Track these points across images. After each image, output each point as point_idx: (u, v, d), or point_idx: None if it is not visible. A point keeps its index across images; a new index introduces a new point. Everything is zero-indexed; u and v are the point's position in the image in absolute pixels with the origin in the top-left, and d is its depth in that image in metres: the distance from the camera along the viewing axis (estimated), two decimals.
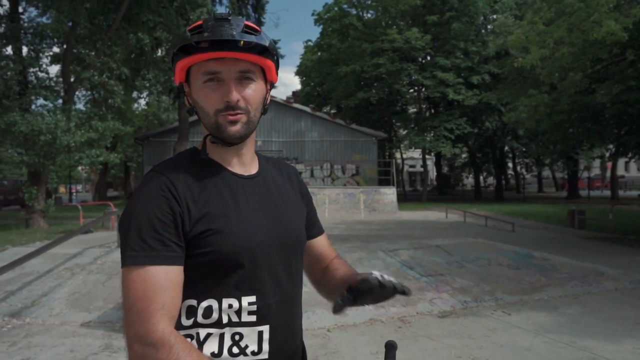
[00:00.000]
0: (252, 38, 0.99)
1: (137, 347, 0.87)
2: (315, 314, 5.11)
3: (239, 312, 0.99)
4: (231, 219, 1.00)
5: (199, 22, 1.02)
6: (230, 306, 0.98)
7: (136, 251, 0.92)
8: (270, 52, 1.04)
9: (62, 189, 38.54)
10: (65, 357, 4.24)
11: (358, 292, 1.03)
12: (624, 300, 5.91)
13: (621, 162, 37.02)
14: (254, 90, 1.03)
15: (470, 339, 4.58)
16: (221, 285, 0.98)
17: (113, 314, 5.42)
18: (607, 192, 33.24)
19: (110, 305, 5.60)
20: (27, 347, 4.50)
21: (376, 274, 1.00)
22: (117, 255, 7.39)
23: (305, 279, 1.21)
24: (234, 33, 0.98)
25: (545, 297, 6.06)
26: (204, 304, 0.98)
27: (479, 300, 5.85)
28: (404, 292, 1.03)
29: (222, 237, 0.97)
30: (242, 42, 0.97)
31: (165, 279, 0.91)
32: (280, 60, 1.14)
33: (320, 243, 1.30)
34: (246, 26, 1.00)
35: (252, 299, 1.00)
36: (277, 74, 1.10)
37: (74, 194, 31.54)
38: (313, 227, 1.27)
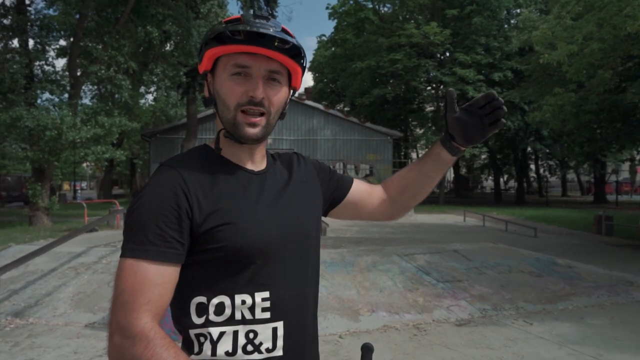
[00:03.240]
0: (289, 39, 1.02)
1: (116, 338, 0.89)
2: (327, 320, 5.12)
3: (252, 309, 1.00)
4: (243, 214, 1.01)
5: (237, 16, 1.05)
6: (243, 302, 0.99)
7: (135, 244, 0.94)
8: (301, 58, 1.07)
9: (66, 186, 39.10)
10: (69, 358, 4.30)
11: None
12: None
13: None
14: (278, 93, 1.06)
15: (490, 349, 4.54)
16: (233, 281, 0.99)
17: None
18: (637, 197, 32.77)
19: None
20: (31, 348, 4.57)
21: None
22: None
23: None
24: (271, 30, 1.00)
25: (569, 306, 5.98)
26: (215, 300, 0.99)
27: (499, 309, 5.79)
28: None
29: (234, 232, 0.99)
30: (277, 41, 1.00)
31: (157, 275, 0.93)
32: None
33: (358, 186, 1.36)
34: (283, 29, 1.04)
35: (266, 294, 1.01)
36: (301, 81, 1.13)
37: (79, 191, 31.97)
38: (342, 185, 1.33)
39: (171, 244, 0.95)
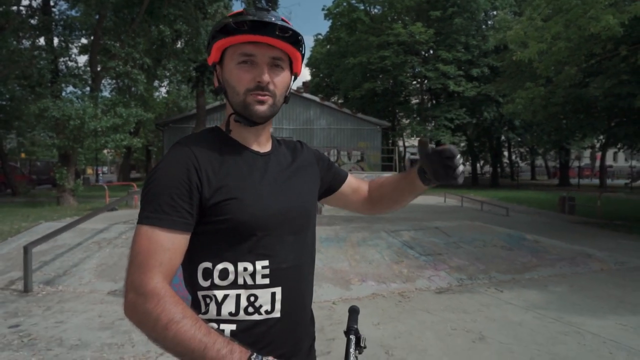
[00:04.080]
0: (288, 26, 1.02)
1: (130, 295, 0.90)
2: (322, 288, 5.17)
3: (253, 275, 1.01)
4: (248, 191, 1.02)
5: (240, 10, 1.04)
6: (245, 269, 1.00)
7: (150, 212, 0.95)
8: (301, 45, 1.06)
9: (89, 170, 38.90)
10: (94, 321, 4.34)
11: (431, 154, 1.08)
12: (610, 280, 5.90)
13: (610, 152, 36.55)
14: (282, 77, 1.06)
15: (465, 313, 4.60)
16: (236, 250, 1.00)
17: None
18: (596, 181, 32.94)
19: None
20: (60, 312, 4.61)
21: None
22: None
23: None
24: (273, 19, 1.00)
25: (535, 276, 6.06)
26: (219, 266, 1.00)
27: (474, 278, 5.87)
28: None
29: (239, 206, 0.99)
30: (278, 30, 1.00)
31: (169, 242, 0.94)
32: None
33: (351, 181, 1.36)
34: (282, 20, 1.03)
35: (266, 263, 1.02)
36: (301, 67, 1.13)
37: (100, 175, 31.83)
38: (338, 177, 1.33)
39: (182, 214, 0.96)
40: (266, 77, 1.02)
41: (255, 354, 0.87)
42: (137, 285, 0.90)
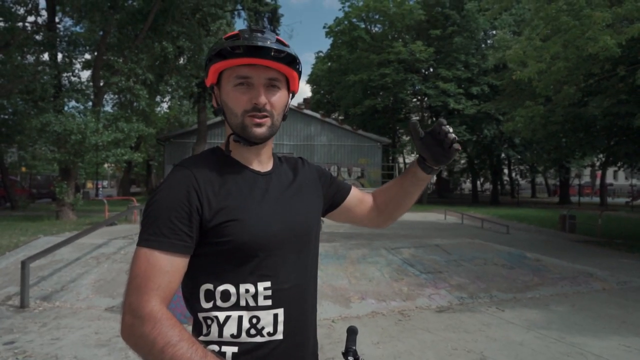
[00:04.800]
0: (283, 48, 1.02)
1: (127, 318, 0.90)
2: (322, 306, 5.12)
3: (255, 297, 1.00)
4: (249, 212, 1.01)
5: (236, 32, 1.05)
6: (247, 291, 0.99)
7: (150, 235, 0.95)
8: (296, 64, 1.07)
9: (89, 185, 38.90)
10: (91, 338, 4.29)
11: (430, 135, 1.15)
12: (611, 299, 5.85)
13: (610, 170, 36.58)
14: (279, 97, 1.06)
15: (466, 332, 4.55)
16: (238, 272, 0.99)
17: None
18: (597, 199, 32.90)
19: None
20: (57, 328, 4.56)
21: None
22: None
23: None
24: (268, 42, 1.01)
25: (537, 295, 6.01)
26: (221, 288, 0.99)
27: (475, 297, 5.81)
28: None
29: (240, 228, 0.99)
30: (273, 52, 1.01)
31: (167, 264, 0.94)
32: None
33: (355, 193, 1.35)
34: (277, 40, 1.04)
35: (268, 284, 1.01)
36: (298, 85, 1.13)
37: (100, 189, 31.81)
38: (341, 190, 1.32)
39: (181, 237, 0.96)
40: (262, 99, 1.02)
41: None
42: (135, 308, 0.90)
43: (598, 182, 34.79)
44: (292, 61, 1.05)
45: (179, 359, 0.85)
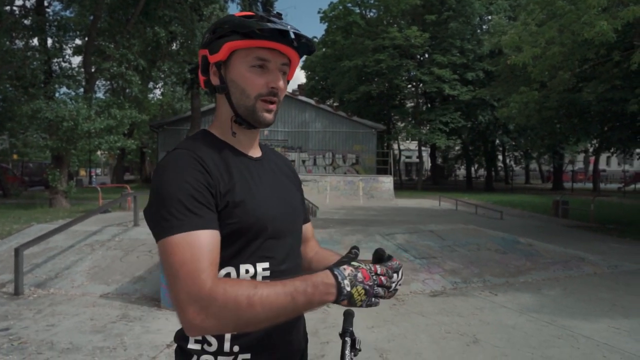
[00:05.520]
0: (307, 38, 1.03)
1: (192, 309, 0.84)
2: None
3: (254, 277, 1.00)
4: (252, 195, 1.01)
5: (249, 13, 1.02)
6: (247, 271, 1.00)
7: (178, 219, 0.89)
8: (309, 53, 1.09)
9: (82, 172, 38.63)
10: (86, 324, 4.30)
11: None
12: (602, 283, 5.94)
13: (603, 156, 36.86)
14: (285, 83, 1.07)
15: (459, 316, 4.61)
16: (240, 253, 0.99)
17: (129, 287, 5.47)
18: (589, 185, 33.17)
19: (127, 279, 5.66)
20: (52, 315, 4.56)
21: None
22: (133, 233, 7.43)
23: None
24: (289, 28, 1.00)
25: (529, 279, 6.09)
26: (223, 271, 0.98)
27: (468, 282, 5.88)
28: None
29: (245, 210, 0.98)
30: (294, 39, 1.01)
31: (209, 242, 0.90)
32: None
33: (308, 228, 1.30)
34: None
35: (266, 265, 1.01)
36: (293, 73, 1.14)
37: (94, 176, 31.58)
38: (305, 214, 1.28)
39: (210, 212, 0.93)
40: (281, 84, 1.03)
41: (336, 270, 0.89)
42: (195, 293, 0.84)
43: (591, 168, 35.05)
44: (306, 51, 1.06)
45: (267, 300, 0.84)
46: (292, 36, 1.01)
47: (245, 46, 1.00)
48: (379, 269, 0.93)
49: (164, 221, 0.90)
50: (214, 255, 0.90)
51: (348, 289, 0.87)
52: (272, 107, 1.04)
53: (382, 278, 0.92)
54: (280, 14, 1.03)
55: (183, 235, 0.88)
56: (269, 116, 1.04)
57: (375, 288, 0.91)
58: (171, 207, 0.90)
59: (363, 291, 0.89)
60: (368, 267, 0.92)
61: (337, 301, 0.88)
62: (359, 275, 0.90)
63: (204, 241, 0.89)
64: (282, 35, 0.99)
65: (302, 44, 1.03)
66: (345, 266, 0.91)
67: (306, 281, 0.87)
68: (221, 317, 0.84)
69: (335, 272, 0.89)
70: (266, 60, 1.01)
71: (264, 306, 0.84)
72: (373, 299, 0.90)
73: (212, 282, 0.86)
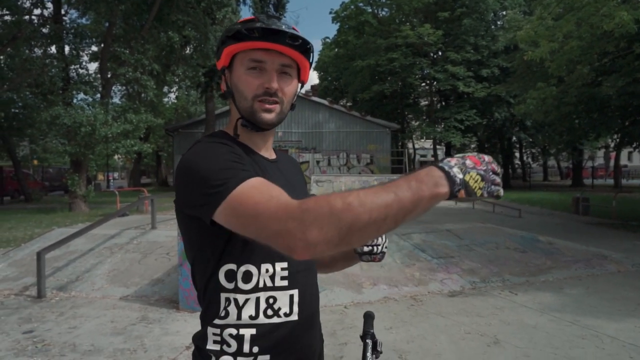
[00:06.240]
0: (300, 35, 1.02)
1: (288, 228, 0.76)
2: (334, 292, 5.15)
3: (272, 277, 1.00)
4: None
5: (252, 17, 1.04)
6: (267, 271, 1.00)
7: (232, 177, 0.86)
8: (310, 53, 1.06)
9: (100, 176, 39.34)
10: (107, 327, 4.37)
11: None
12: (627, 282, 5.79)
13: (624, 152, 36.00)
14: (289, 85, 1.06)
15: (479, 316, 4.55)
16: (259, 251, 0.98)
17: (148, 289, 5.54)
18: (610, 181, 32.41)
19: (146, 282, 5.73)
20: (73, 317, 4.64)
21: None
22: (151, 236, 7.52)
23: None
24: (284, 27, 1.00)
25: (550, 278, 5.98)
26: (243, 268, 0.98)
27: (487, 281, 5.80)
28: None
29: None
30: (288, 38, 1.00)
31: (267, 182, 0.87)
32: None
33: None
34: (293, 28, 1.03)
35: (284, 264, 1.01)
36: (309, 75, 1.12)
37: (111, 180, 32.15)
38: None
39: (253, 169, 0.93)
40: (275, 84, 1.02)
41: (440, 163, 0.79)
42: (285, 214, 0.78)
43: (612, 163, 34.28)
44: (306, 50, 1.04)
45: (367, 198, 0.75)
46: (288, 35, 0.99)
47: (241, 49, 1.02)
48: (485, 156, 0.84)
49: (217, 188, 0.86)
50: (277, 186, 0.86)
51: (460, 176, 0.78)
52: (271, 107, 1.03)
53: (494, 165, 0.83)
54: (279, 16, 1.03)
55: (243, 185, 0.84)
56: (268, 116, 1.03)
57: (490, 174, 0.82)
58: (218, 175, 0.87)
59: (479, 177, 0.80)
60: (476, 154, 0.84)
61: (452, 194, 0.77)
62: (468, 162, 0.81)
63: (264, 182, 0.86)
64: (275, 35, 0.99)
65: (302, 44, 1.02)
66: (448, 158, 0.81)
67: (407, 177, 0.77)
68: (322, 224, 0.74)
69: (440, 164, 0.79)
70: (261, 62, 1.02)
71: (364, 205, 0.74)
72: (492, 186, 0.81)
73: (295, 200, 0.80)
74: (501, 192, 0.83)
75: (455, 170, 0.78)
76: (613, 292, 5.33)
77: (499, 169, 0.85)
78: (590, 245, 7.56)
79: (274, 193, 0.83)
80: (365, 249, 1.18)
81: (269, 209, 0.80)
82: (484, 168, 0.82)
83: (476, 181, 0.79)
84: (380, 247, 1.18)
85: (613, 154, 32.99)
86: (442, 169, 0.78)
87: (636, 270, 6.38)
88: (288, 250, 0.78)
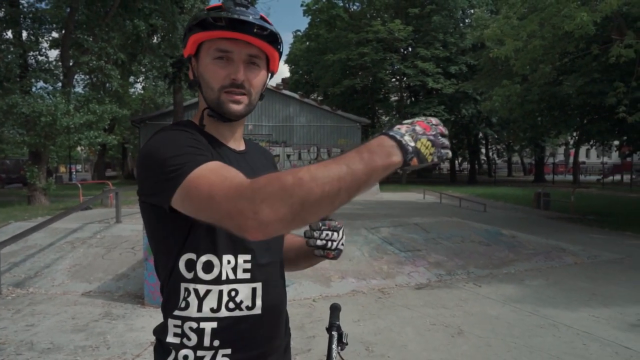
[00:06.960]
0: (267, 25, 0.99)
1: (240, 207, 0.75)
2: (302, 286, 5.16)
3: (235, 269, 0.98)
4: None
5: (218, 4, 1.00)
6: (228, 262, 0.98)
7: (189, 161, 0.85)
8: (278, 44, 1.04)
9: (62, 169, 37.85)
10: (67, 323, 4.22)
11: None
12: (582, 273, 6.07)
13: (583, 149, 37.61)
14: (257, 75, 1.04)
15: (444, 308, 4.67)
16: (221, 242, 0.97)
17: (112, 285, 5.39)
18: (570, 177, 33.84)
19: (110, 277, 5.57)
20: (31, 315, 4.47)
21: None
22: (115, 230, 7.31)
23: None
24: (251, 17, 0.97)
25: (512, 270, 6.19)
26: (203, 258, 0.96)
27: (453, 274, 5.95)
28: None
29: None
30: (256, 28, 0.97)
31: (224, 165, 0.87)
32: None
33: None
34: (261, 17, 1.01)
35: (247, 257, 1.00)
36: (278, 65, 1.11)
37: (74, 173, 30.98)
38: None
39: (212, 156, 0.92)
40: (241, 75, 0.99)
41: (390, 131, 0.78)
42: (236, 193, 0.77)
43: (571, 160, 35.77)
44: (274, 40, 1.02)
45: (319, 172, 0.73)
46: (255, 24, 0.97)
47: (207, 38, 1.00)
48: (433, 119, 0.84)
49: (173, 173, 0.85)
50: (238, 171, 0.85)
51: (412, 144, 0.77)
52: (239, 98, 1.01)
53: (441, 127, 0.84)
54: (248, 4, 1.00)
55: (200, 168, 0.84)
56: (236, 107, 1.01)
57: (439, 138, 0.82)
58: (174, 161, 0.86)
59: (429, 143, 0.80)
60: (424, 119, 0.84)
61: (405, 162, 0.77)
62: (418, 128, 0.81)
63: (222, 165, 0.86)
64: (242, 24, 0.97)
65: (270, 34, 1.00)
66: (398, 125, 0.81)
67: (358, 149, 0.76)
68: (273, 202, 0.73)
69: (391, 133, 0.78)
70: (227, 52, 0.99)
71: (316, 180, 0.72)
72: (442, 150, 0.82)
73: (248, 179, 0.80)
74: (449, 154, 0.83)
75: (407, 138, 0.78)
76: (570, 283, 5.58)
77: (446, 131, 0.85)
78: (550, 239, 7.87)
79: (229, 175, 0.82)
80: (319, 242, 1.11)
81: (222, 189, 0.79)
82: (434, 133, 0.82)
83: (427, 147, 0.80)
84: (335, 244, 1.11)
85: (572, 151, 34.42)
86: (393, 137, 0.77)
87: (591, 262, 6.69)
88: (240, 230, 0.77)
